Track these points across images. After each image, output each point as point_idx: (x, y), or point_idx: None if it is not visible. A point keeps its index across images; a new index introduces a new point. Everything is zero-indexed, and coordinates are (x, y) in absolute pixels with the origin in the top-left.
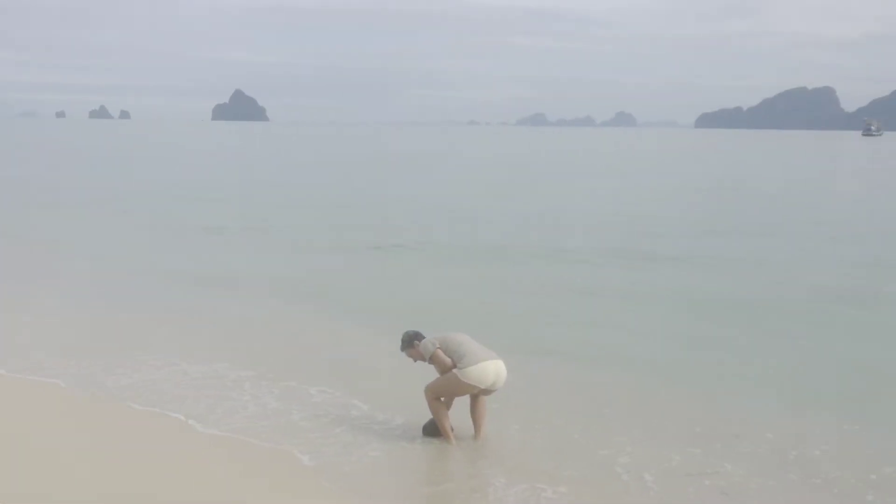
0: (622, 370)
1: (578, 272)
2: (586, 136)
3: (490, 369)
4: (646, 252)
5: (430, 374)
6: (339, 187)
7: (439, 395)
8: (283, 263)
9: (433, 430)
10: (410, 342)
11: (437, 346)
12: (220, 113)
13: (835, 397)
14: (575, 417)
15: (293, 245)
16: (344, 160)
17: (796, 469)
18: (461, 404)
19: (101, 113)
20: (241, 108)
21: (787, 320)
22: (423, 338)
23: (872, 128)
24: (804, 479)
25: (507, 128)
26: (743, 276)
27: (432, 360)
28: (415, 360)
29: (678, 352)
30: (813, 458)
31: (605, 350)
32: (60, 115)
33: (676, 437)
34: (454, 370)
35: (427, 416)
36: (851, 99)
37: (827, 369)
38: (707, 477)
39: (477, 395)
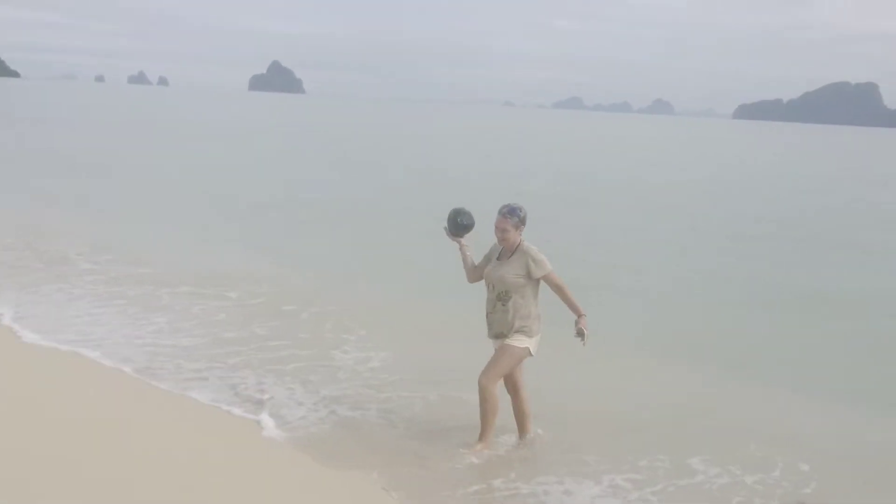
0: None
1: None
2: (631, 124)
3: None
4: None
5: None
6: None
7: (503, 374)
8: None
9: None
10: (524, 220)
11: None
12: (257, 84)
13: None
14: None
15: None
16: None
17: None
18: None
19: (139, 79)
20: (278, 79)
21: None
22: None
23: None
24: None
25: (545, 111)
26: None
27: (548, 277)
28: (499, 241)
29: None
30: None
31: None
32: (100, 79)
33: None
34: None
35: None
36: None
37: None
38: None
39: (518, 378)
